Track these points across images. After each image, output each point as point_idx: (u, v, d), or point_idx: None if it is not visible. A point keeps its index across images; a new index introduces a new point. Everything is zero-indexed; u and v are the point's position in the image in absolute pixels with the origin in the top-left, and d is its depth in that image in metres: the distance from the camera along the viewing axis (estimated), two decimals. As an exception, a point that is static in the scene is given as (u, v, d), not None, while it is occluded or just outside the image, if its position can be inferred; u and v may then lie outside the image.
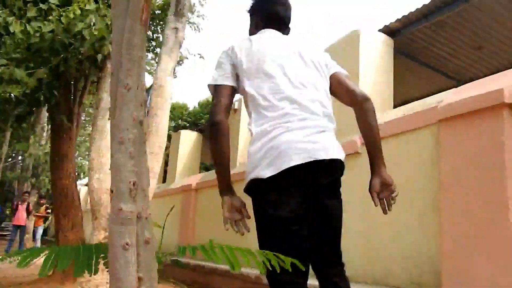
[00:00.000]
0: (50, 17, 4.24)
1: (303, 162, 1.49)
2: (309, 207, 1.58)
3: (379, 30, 4.60)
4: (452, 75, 5.42)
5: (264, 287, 4.34)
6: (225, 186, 1.67)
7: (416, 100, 6.31)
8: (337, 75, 1.83)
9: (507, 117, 2.75)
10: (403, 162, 3.57)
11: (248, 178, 1.59)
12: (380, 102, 4.36)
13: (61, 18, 4.23)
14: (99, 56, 4.74)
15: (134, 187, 0.90)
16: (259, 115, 1.61)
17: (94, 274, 0.97)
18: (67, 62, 4.60)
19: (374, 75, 4.38)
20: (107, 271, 0.93)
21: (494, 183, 2.71)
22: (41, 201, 12.25)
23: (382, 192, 1.70)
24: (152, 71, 7.52)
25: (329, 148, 1.59)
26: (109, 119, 4.76)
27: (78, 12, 4.16)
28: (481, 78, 5.34)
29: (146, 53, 6.26)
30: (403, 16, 4.37)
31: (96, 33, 4.31)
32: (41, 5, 4.29)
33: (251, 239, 1.73)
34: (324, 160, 1.54)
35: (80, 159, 17.12)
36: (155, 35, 6.63)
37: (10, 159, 21.32)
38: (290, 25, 1.95)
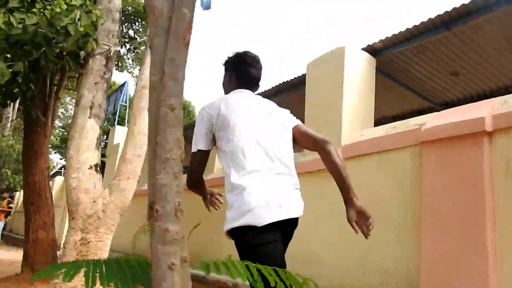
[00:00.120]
0: (34, 9, 4.13)
1: (285, 218, 1.83)
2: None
3: (362, 49, 4.74)
4: (428, 97, 5.65)
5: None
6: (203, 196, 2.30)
7: (392, 118, 6.58)
8: (298, 127, 2.16)
9: (487, 144, 2.91)
10: (384, 179, 3.69)
11: (235, 225, 1.80)
12: (361, 119, 4.49)
13: (45, 11, 4.13)
14: (82, 53, 4.65)
15: (179, 207, 0.92)
16: (237, 170, 1.86)
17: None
18: (47, 56, 4.49)
19: (357, 92, 4.50)
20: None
21: (473, 205, 2.86)
22: (3, 195, 11.76)
23: (360, 220, 1.91)
24: (131, 71, 7.45)
25: (299, 206, 2.00)
26: (90, 117, 4.67)
27: (64, 6, 4.08)
28: (455, 101, 5.62)
29: (126, 53, 6.16)
30: (386, 37, 4.53)
31: (81, 29, 4.24)
32: (24, -4, 4.17)
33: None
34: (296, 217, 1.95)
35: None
36: (136, 35, 6.56)
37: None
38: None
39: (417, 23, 4.14)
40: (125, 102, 12.43)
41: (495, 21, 3.86)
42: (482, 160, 2.89)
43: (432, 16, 3.97)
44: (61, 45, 4.29)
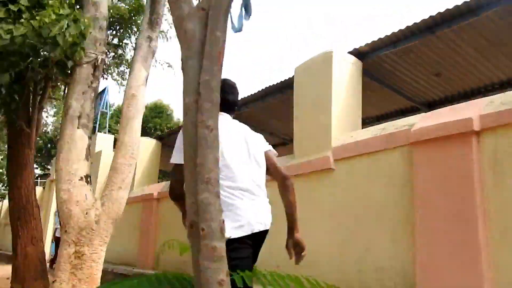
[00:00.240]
0: (22, 20, 4.06)
1: (259, 230, 2.05)
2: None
3: (349, 52, 4.85)
4: (411, 97, 5.80)
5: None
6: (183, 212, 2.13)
7: (376, 118, 6.72)
8: (268, 153, 2.34)
9: (475, 143, 3.03)
10: (375, 179, 3.79)
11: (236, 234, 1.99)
12: (350, 121, 4.59)
13: (32, 21, 4.07)
14: (70, 62, 4.59)
15: (223, 225, 0.96)
16: (226, 187, 2.03)
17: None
18: (34, 66, 4.42)
19: (345, 95, 4.60)
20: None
21: (464, 202, 2.98)
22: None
23: (295, 249, 2.20)
24: (116, 78, 7.36)
25: (269, 220, 2.17)
26: (78, 127, 4.61)
27: (53, 16, 4.02)
28: (437, 101, 5.79)
29: (111, 60, 6.10)
30: (372, 41, 4.64)
31: (70, 39, 4.19)
32: (10, 6, 4.09)
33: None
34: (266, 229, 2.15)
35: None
36: (120, 42, 6.50)
37: None
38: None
39: (402, 27, 4.27)
40: (105, 109, 12.24)
41: (477, 25, 4.02)
42: (471, 158, 3.02)
43: (417, 21, 4.10)
44: (49, 55, 4.22)
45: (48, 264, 10.21)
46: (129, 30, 6.37)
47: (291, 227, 2.24)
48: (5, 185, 23.33)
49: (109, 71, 6.88)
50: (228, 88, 2.39)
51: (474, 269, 2.83)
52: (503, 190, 2.88)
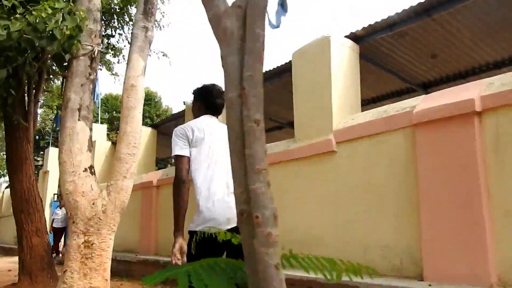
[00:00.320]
0: (17, 15, 4.02)
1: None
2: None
3: (346, 36, 4.89)
4: (407, 79, 5.89)
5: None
6: (180, 228, 2.29)
7: (372, 99, 6.81)
8: None
9: (477, 123, 3.13)
10: (377, 160, 3.89)
11: (197, 228, 2.28)
12: (350, 104, 4.67)
13: (27, 16, 4.03)
14: (67, 56, 4.57)
15: (276, 212, 1.02)
16: (205, 186, 2.34)
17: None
18: (31, 61, 4.39)
19: (343, 78, 4.66)
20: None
21: (467, 182, 3.08)
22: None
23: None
24: (110, 67, 7.32)
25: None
26: (79, 119, 4.62)
27: (49, 10, 3.99)
28: (432, 82, 5.89)
29: (105, 51, 6.08)
30: (369, 25, 4.69)
31: (67, 32, 4.16)
32: (4, 2, 4.04)
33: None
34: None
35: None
36: (114, 31, 6.44)
37: None
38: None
39: (399, 10, 4.31)
40: (95, 99, 12.12)
41: (473, 7, 4.09)
42: (473, 138, 3.12)
43: (414, 4, 4.15)
44: (45, 49, 4.20)
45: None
46: (121, 20, 6.31)
47: None
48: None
49: (108, 63, 6.84)
50: (216, 92, 2.68)
51: (478, 244, 2.96)
52: (505, 168, 2.99)
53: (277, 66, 5.85)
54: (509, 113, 2.99)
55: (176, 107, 30.11)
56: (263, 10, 1.13)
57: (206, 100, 2.66)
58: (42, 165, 16.68)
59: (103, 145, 10.94)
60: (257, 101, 1.09)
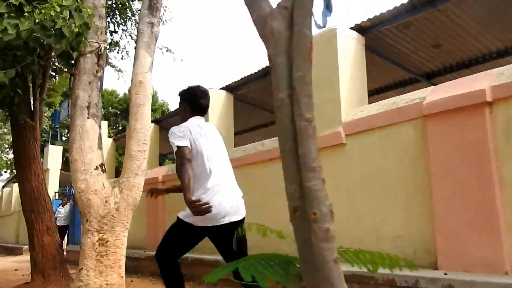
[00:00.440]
0: (25, 14, 4.01)
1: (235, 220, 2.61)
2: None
3: (351, 28, 4.91)
4: (411, 69, 5.93)
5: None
6: (192, 192, 2.43)
7: (375, 90, 6.85)
8: None
9: (488, 113, 3.18)
10: (388, 152, 3.94)
11: (183, 217, 2.58)
12: (357, 96, 4.70)
13: (34, 14, 4.01)
14: (74, 54, 4.57)
15: (331, 208, 1.06)
16: (203, 182, 2.55)
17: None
18: (39, 60, 4.39)
19: (350, 70, 4.69)
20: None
21: (480, 170, 3.14)
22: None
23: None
24: (113, 64, 7.29)
25: (242, 210, 2.71)
26: (88, 117, 4.63)
27: (58, 9, 3.98)
28: (435, 71, 5.93)
29: (109, 47, 6.07)
30: (374, 16, 4.71)
31: (76, 29, 4.16)
32: (11, 0, 4.02)
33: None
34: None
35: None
36: (117, 27, 6.41)
37: None
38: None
39: (404, 1, 4.34)
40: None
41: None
42: (485, 128, 3.17)
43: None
44: (54, 47, 4.19)
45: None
46: (123, 16, 6.29)
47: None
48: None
49: (109, 59, 6.83)
50: (201, 93, 2.85)
51: (492, 232, 3.02)
52: (517, 156, 3.05)
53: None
54: (521, 102, 3.04)
55: (172, 102, 30.07)
56: (310, 11, 1.16)
57: (192, 102, 2.84)
58: (42, 163, 16.62)
59: (104, 141, 10.92)
60: (308, 100, 1.12)
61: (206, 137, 2.64)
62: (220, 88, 6.82)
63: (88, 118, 4.62)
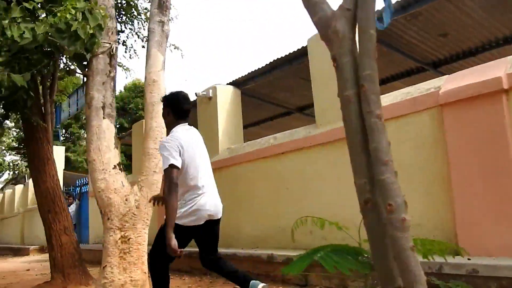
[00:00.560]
0: (40, 18, 4.03)
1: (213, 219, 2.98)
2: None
3: (359, 20, 4.95)
4: (418, 59, 6.00)
5: (278, 266, 4.64)
6: (173, 225, 2.73)
7: (381, 81, 6.90)
8: None
9: (505, 100, 3.25)
10: (404, 141, 4.01)
11: (181, 221, 2.84)
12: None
13: (49, 17, 4.03)
14: (88, 55, 4.59)
15: (405, 199, 1.12)
16: (192, 188, 2.88)
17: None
18: (55, 62, 4.42)
19: (361, 62, 4.74)
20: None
21: (498, 157, 3.22)
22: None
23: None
24: (121, 63, 7.32)
25: (220, 210, 3.05)
26: (104, 117, 4.66)
27: (73, 12, 4.00)
28: (442, 60, 6.00)
29: (116, 46, 6.10)
30: (382, 7, 4.75)
31: (91, 31, 4.18)
32: (25, 4, 4.04)
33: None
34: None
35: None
36: (124, 27, 6.43)
37: None
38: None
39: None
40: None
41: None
42: (502, 115, 3.24)
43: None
44: (69, 49, 4.21)
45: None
46: (129, 15, 6.31)
47: None
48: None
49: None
50: (183, 99, 3.08)
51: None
52: (535, 141, 3.12)
53: (289, 53, 5.91)
54: (538, 89, 3.12)
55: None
56: (373, 12, 1.22)
57: (174, 106, 3.06)
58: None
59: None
60: (377, 97, 1.18)
61: (193, 147, 2.93)
62: (227, 84, 6.85)
63: (104, 118, 4.66)
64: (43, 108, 5.69)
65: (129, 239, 4.38)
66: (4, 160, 16.91)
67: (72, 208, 11.15)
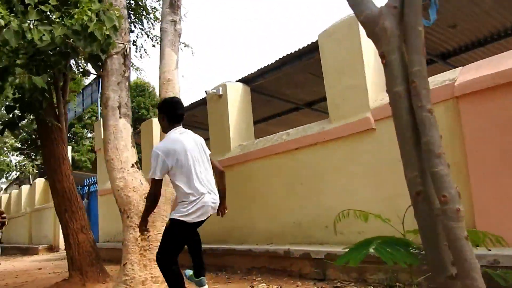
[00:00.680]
0: (57, 20, 4.07)
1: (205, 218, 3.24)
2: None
3: (370, 14, 4.98)
4: (427, 51, 6.01)
5: (294, 261, 4.70)
6: (143, 223, 3.50)
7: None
8: (209, 155, 3.45)
9: (521, 91, 3.29)
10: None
11: (177, 217, 3.13)
12: (381, 82, 4.78)
13: (65, 20, 4.06)
14: (104, 56, 4.64)
15: (458, 190, 1.17)
16: (187, 190, 3.12)
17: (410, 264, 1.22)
18: (71, 63, 4.45)
19: (374, 55, 4.77)
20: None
21: (517, 147, 3.26)
22: (-6, 208, 11.45)
23: (223, 210, 3.56)
24: (135, 66, 7.36)
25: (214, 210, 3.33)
26: (120, 117, 4.70)
27: (89, 13, 4.04)
28: (451, 52, 6.02)
29: (130, 46, 6.15)
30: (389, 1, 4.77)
31: (107, 32, 4.22)
32: (41, 7, 4.07)
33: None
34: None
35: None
36: (134, 26, 6.46)
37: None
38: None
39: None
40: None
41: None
42: (519, 106, 3.28)
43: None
44: (85, 50, 4.25)
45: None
46: (139, 15, 6.34)
47: (223, 198, 3.48)
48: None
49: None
50: (177, 104, 3.36)
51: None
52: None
53: (299, 49, 5.93)
54: (555, 79, 3.15)
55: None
56: (420, 9, 1.26)
57: (168, 112, 3.32)
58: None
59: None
60: (427, 92, 1.23)
61: (187, 150, 3.16)
62: (236, 81, 6.88)
63: (120, 118, 4.72)
64: (56, 109, 5.74)
65: (149, 236, 4.44)
66: (11, 161, 17.04)
67: (82, 208, 11.20)
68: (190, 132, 3.41)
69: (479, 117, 3.52)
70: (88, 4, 4.09)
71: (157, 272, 4.34)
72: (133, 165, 4.61)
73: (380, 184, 4.36)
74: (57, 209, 5.55)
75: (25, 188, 18.27)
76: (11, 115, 5.05)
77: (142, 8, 6.25)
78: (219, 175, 3.51)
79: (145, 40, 8.31)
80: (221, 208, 3.49)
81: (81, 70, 6.18)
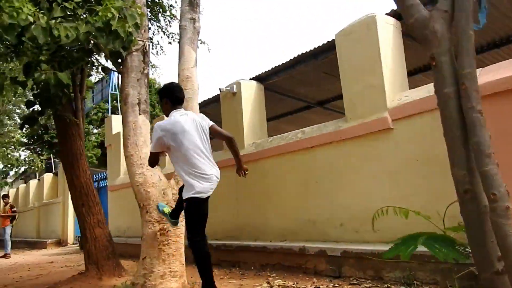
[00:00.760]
0: (82, 17, 4.13)
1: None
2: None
3: (387, 14, 5.01)
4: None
5: (310, 258, 4.75)
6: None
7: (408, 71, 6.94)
8: (213, 126, 3.71)
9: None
10: (437, 135, 4.04)
11: (190, 195, 3.42)
12: (398, 81, 4.83)
13: (88, 17, 4.12)
14: (124, 53, 4.70)
15: (507, 189, 1.22)
16: (189, 167, 3.44)
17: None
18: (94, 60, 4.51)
19: (391, 56, 4.81)
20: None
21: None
22: (5, 200, 11.59)
23: (241, 171, 3.80)
24: (151, 63, 7.41)
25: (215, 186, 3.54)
26: (140, 114, 4.76)
27: (113, 11, 4.09)
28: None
29: (149, 43, 6.20)
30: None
31: (130, 29, 4.28)
32: (65, 4, 4.13)
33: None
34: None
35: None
36: (151, 24, 6.52)
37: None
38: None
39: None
40: (114, 91, 12.21)
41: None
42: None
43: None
44: (107, 47, 4.31)
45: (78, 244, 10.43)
46: (156, 12, 6.40)
47: (239, 161, 3.75)
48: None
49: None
50: (177, 88, 3.73)
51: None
52: None
53: (315, 48, 5.98)
54: None
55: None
56: (471, 13, 1.31)
57: (170, 95, 3.64)
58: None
59: (126, 135, 11.05)
60: (477, 94, 1.27)
61: (185, 131, 3.42)
62: (250, 79, 6.93)
63: (139, 114, 4.77)
64: (74, 104, 5.81)
65: (167, 231, 4.50)
66: (20, 156, 17.23)
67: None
68: (190, 112, 3.74)
69: (499, 119, 3.54)
70: (111, 2, 4.15)
71: (175, 266, 4.40)
72: (152, 161, 4.66)
73: (396, 184, 4.41)
74: (74, 203, 5.63)
75: (33, 182, 18.43)
76: (30, 110, 5.12)
77: (159, 6, 6.31)
78: (228, 141, 3.72)
79: (161, 37, 8.40)
80: (241, 170, 3.75)
81: (97, 66, 6.22)
